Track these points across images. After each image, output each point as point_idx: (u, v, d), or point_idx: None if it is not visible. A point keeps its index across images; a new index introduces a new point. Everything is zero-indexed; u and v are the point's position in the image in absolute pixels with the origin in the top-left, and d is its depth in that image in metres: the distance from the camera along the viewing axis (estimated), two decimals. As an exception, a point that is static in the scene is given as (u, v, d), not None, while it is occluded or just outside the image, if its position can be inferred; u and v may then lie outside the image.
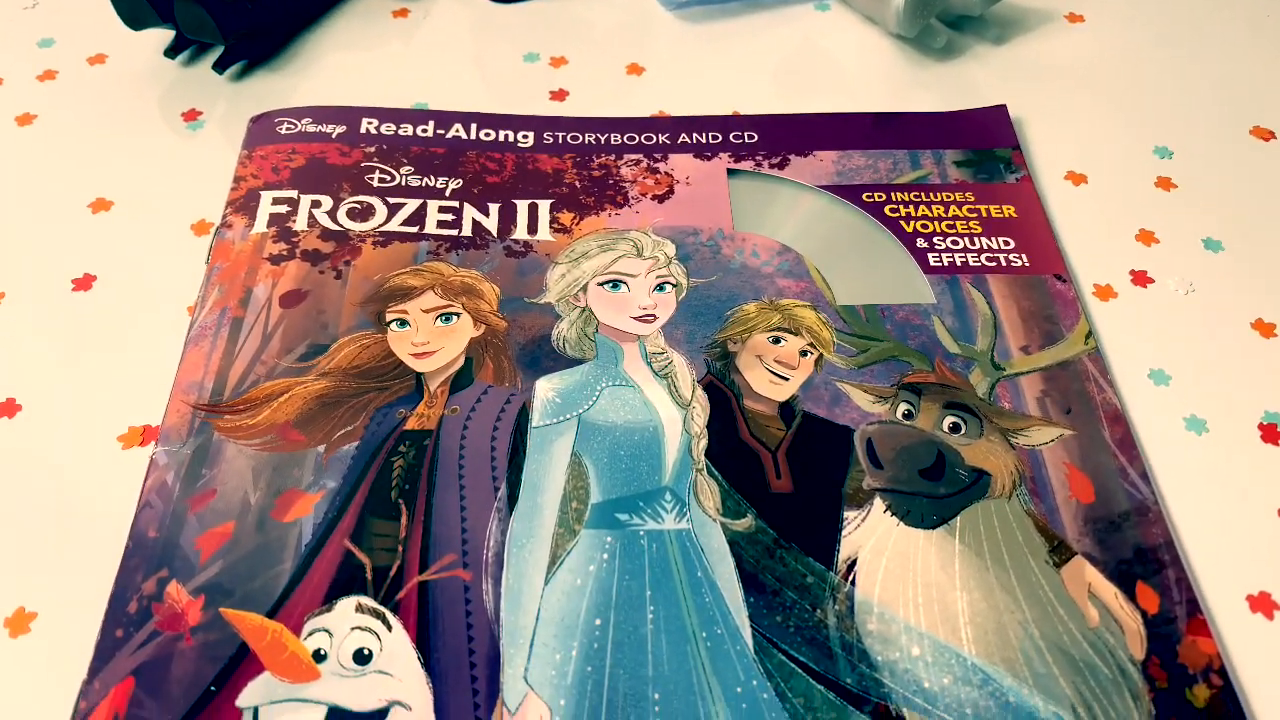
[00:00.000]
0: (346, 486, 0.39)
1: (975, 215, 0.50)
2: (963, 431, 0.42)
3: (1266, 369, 0.45)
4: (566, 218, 0.49)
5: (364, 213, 0.48)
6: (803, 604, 0.37)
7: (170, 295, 0.47)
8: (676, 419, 0.42)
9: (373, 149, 0.51)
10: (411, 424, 0.41)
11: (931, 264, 0.48)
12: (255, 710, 0.34)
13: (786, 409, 0.43)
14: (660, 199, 0.50)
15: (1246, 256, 0.49)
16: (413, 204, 0.49)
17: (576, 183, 0.51)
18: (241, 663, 0.35)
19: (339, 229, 0.48)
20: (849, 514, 0.39)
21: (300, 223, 0.48)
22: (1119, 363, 0.45)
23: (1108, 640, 0.37)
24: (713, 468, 0.41)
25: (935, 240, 0.49)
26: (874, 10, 0.59)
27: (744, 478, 0.40)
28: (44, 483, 0.41)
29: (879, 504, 0.40)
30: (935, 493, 0.40)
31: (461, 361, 0.43)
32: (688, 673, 0.35)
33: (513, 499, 0.39)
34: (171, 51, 0.57)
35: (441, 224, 0.48)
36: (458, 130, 0.53)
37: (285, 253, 0.47)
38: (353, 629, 0.36)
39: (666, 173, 0.51)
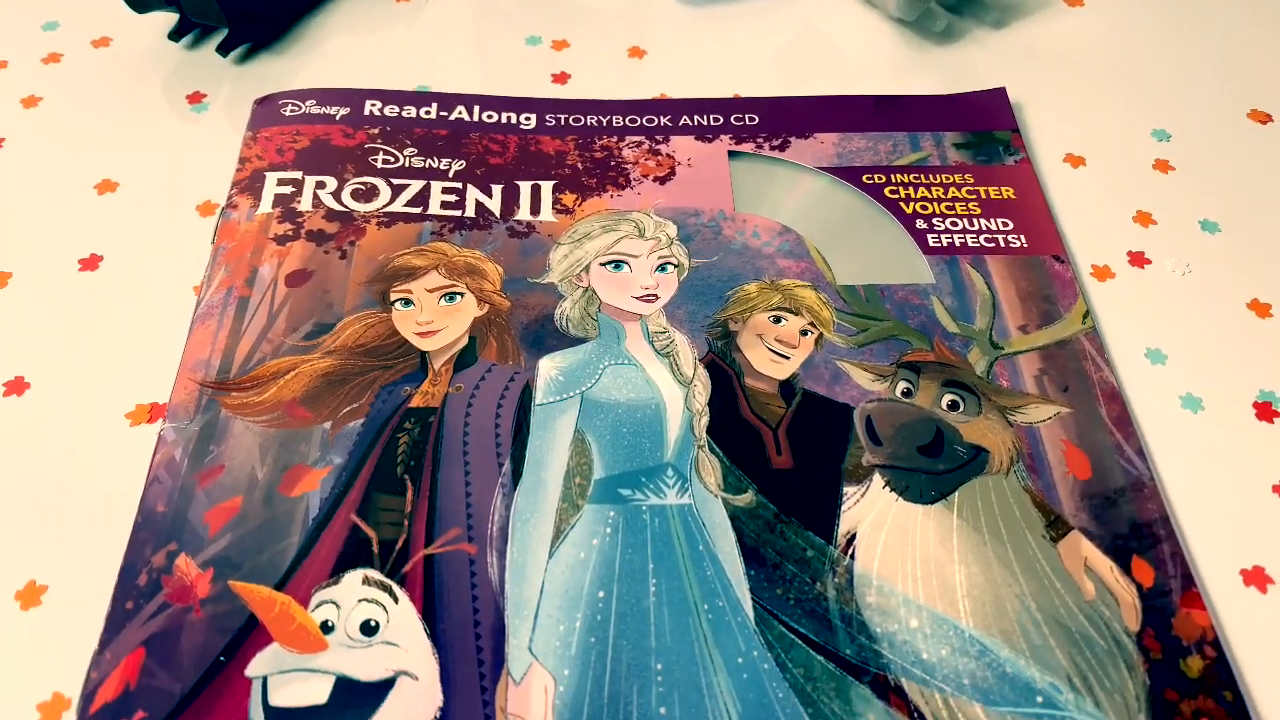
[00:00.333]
0: (352, 462, 0.40)
1: (974, 197, 0.50)
2: (961, 409, 0.42)
3: (1262, 348, 0.46)
4: (569, 199, 0.49)
5: (368, 194, 0.49)
6: (803, 577, 0.38)
7: (176, 275, 0.47)
8: (678, 396, 0.42)
9: (376, 131, 0.52)
10: (416, 401, 0.42)
11: (931, 245, 0.48)
12: (264, 680, 0.35)
13: (787, 387, 0.43)
14: (662, 180, 0.50)
15: (1243, 238, 0.50)
16: (416, 185, 0.49)
17: (579, 164, 0.51)
18: (250, 634, 0.36)
19: (343, 210, 0.48)
20: (848, 490, 0.40)
21: (305, 203, 0.48)
22: (1116, 342, 0.45)
23: (1103, 613, 0.37)
24: (714, 444, 0.41)
25: (934, 221, 0.49)
26: (874, -6, 0.59)
27: (745, 454, 0.41)
28: (52, 459, 0.41)
29: (878, 480, 0.40)
30: (934, 469, 0.41)
31: (465, 340, 0.44)
32: (690, 644, 0.36)
33: (517, 474, 0.40)
34: (175, 34, 0.57)
35: (445, 205, 0.49)
36: (460, 112, 0.53)
37: (290, 233, 0.47)
38: (360, 601, 0.36)
39: (668, 155, 0.51)
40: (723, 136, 0.52)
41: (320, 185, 0.49)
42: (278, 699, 0.34)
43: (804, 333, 0.45)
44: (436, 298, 0.45)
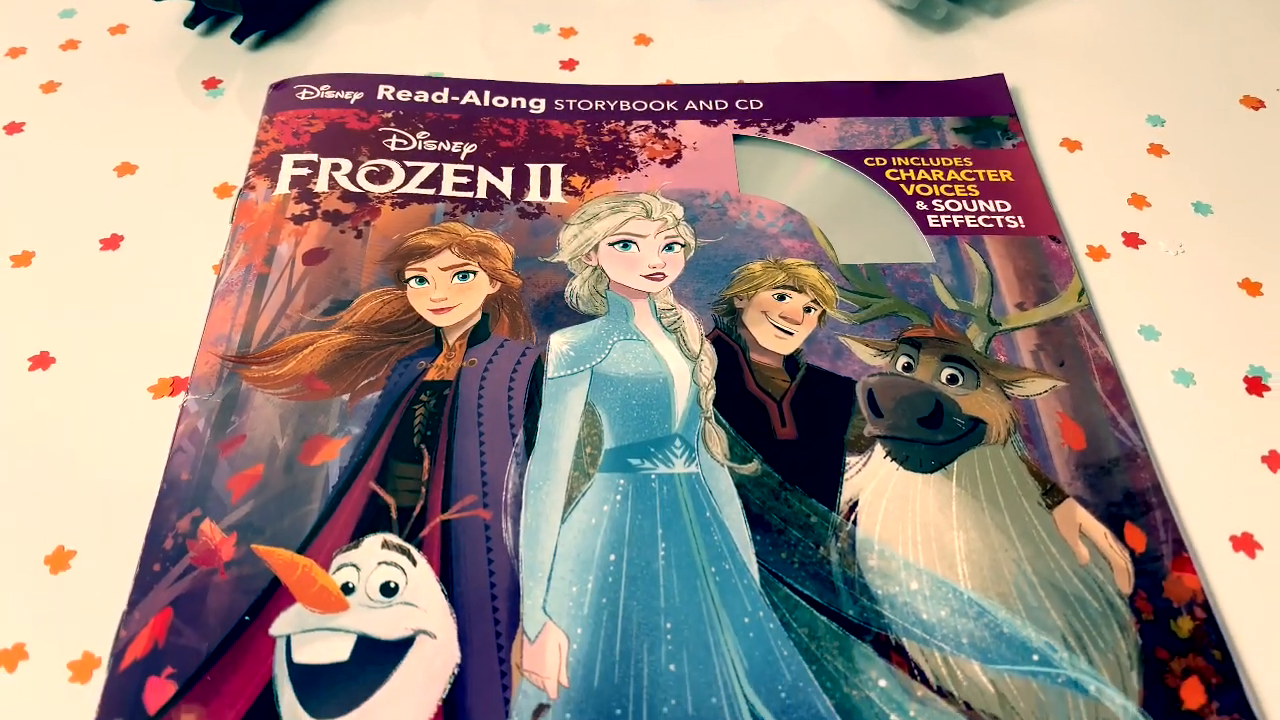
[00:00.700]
0: (371, 432, 0.41)
1: (973, 179, 0.51)
2: (960, 383, 0.43)
3: (1252, 325, 0.47)
4: (578, 181, 0.51)
5: (382, 175, 0.50)
6: (806, 542, 0.39)
7: (195, 254, 0.48)
8: (685, 371, 0.44)
9: (390, 115, 0.53)
10: (431, 375, 0.43)
11: (930, 225, 0.49)
12: (288, 638, 0.36)
13: (791, 362, 0.44)
14: (669, 163, 0.52)
15: (1235, 219, 0.51)
16: (429, 167, 0.51)
17: (587, 147, 0.52)
18: (274, 595, 0.37)
19: (359, 191, 0.49)
20: (851, 459, 0.41)
21: (321, 184, 0.49)
22: (1111, 319, 0.47)
23: (1097, 576, 0.39)
24: (720, 416, 0.42)
25: (934, 203, 0.50)
26: (875, -17, 0.61)
27: (750, 426, 0.42)
28: (77, 430, 0.42)
29: (879, 450, 0.42)
30: (933, 439, 0.42)
31: (478, 317, 0.45)
32: (698, 604, 0.37)
33: (530, 445, 0.41)
34: (191, 21, 0.58)
35: (457, 186, 0.50)
36: (471, 97, 0.54)
37: (307, 213, 0.48)
38: (379, 564, 0.38)
39: (675, 138, 0.53)
40: (728, 121, 0.54)
41: (336, 167, 0.50)
42: (301, 656, 0.35)
43: (807, 310, 0.46)
44: (450, 276, 0.46)
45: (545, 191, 0.50)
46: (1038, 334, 0.46)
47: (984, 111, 0.55)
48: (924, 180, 0.51)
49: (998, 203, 0.50)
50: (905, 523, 0.40)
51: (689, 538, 0.39)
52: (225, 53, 0.58)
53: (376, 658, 0.36)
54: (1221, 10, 0.62)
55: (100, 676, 0.36)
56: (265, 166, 0.50)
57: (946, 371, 0.44)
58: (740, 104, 0.55)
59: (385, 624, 0.36)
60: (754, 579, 0.38)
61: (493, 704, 0.35)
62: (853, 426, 0.42)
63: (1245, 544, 0.40)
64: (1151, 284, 0.48)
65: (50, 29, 0.59)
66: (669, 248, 0.48)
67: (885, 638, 0.37)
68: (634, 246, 0.48)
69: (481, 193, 0.50)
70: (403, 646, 0.36)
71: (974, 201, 0.50)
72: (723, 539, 0.39)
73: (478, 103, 0.54)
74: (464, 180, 0.50)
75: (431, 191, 0.50)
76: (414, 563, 0.38)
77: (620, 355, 0.44)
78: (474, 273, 0.47)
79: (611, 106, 0.54)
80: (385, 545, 0.38)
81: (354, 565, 0.38)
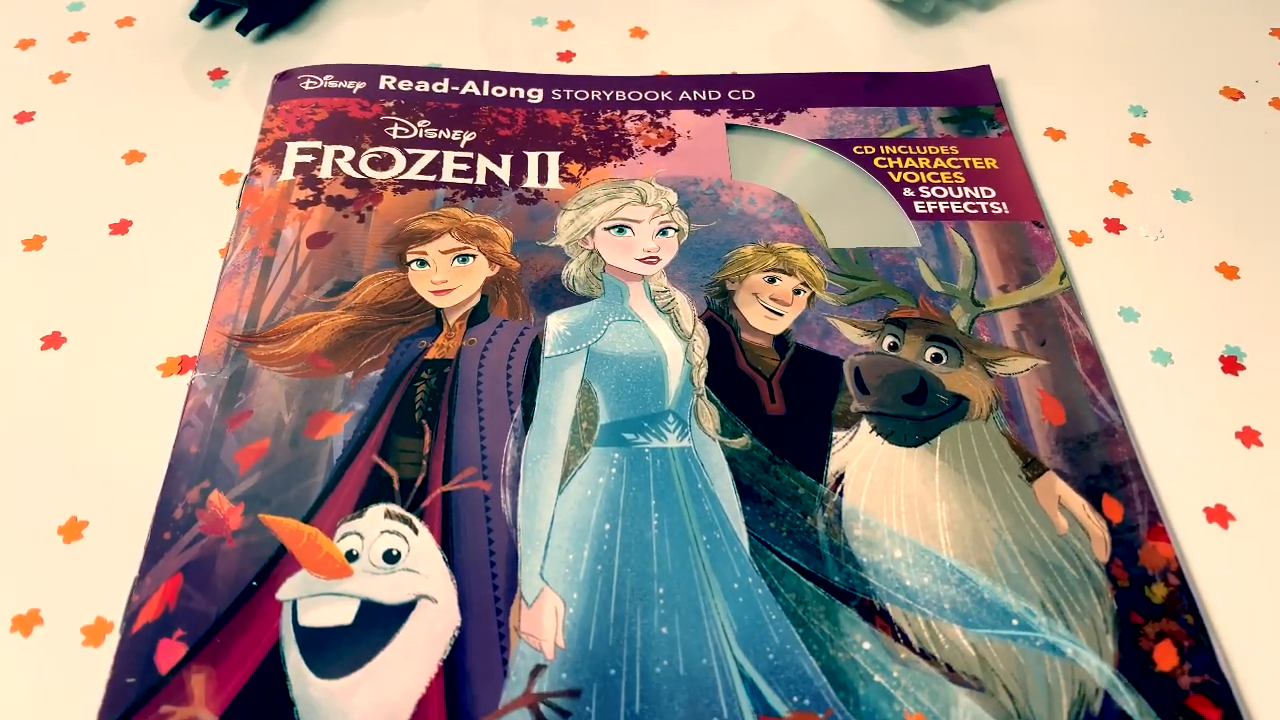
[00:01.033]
0: (374, 408, 0.42)
1: (959, 167, 0.53)
2: (944, 361, 0.45)
3: (1229, 307, 0.48)
4: (575, 168, 0.52)
5: (384, 162, 0.51)
6: (794, 512, 0.40)
7: (201, 238, 0.50)
8: (678, 350, 0.45)
9: (391, 104, 0.54)
10: (432, 354, 0.44)
11: (917, 211, 0.51)
12: (295, 603, 0.37)
13: (781, 341, 0.46)
14: (663, 151, 0.53)
15: (1214, 206, 0.53)
16: (430, 155, 0.52)
17: (584, 136, 0.54)
18: (280, 562, 0.38)
19: (361, 177, 0.51)
20: (838, 434, 0.43)
21: (325, 171, 0.51)
22: (1091, 301, 0.48)
23: (1075, 545, 0.40)
24: (712, 393, 0.44)
25: (921, 189, 0.52)
26: (865, -23, 0.62)
27: (741, 402, 0.43)
28: (88, 407, 0.44)
29: (865, 425, 0.43)
30: (917, 415, 0.43)
31: (478, 298, 0.46)
32: (689, 571, 0.39)
33: (528, 420, 0.42)
34: (196, 14, 0.60)
35: (457, 173, 0.51)
36: (471, 87, 0.56)
37: (311, 198, 0.50)
38: (382, 532, 0.39)
39: (669, 127, 0.54)
40: (721, 110, 0.55)
41: (339, 154, 0.52)
42: (307, 619, 0.37)
43: (797, 292, 0.47)
44: (450, 259, 0.48)
45: (543, 178, 0.51)
46: (1020, 315, 0.47)
47: (970, 102, 0.56)
48: (911, 168, 0.53)
49: (983, 189, 0.52)
50: (890, 494, 0.41)
51: (681, 508, 0.40)
52: (230, 45, 0.59)
53: (380, 621, 0.37)
54: (1202, 4, 0.64)
55: (113, 640, 0.37)
56: (270, 154, 0.52)
57: (931, 350, 0.45)
58: (733, 94, 0.56)
59: (388, 589, 0.38)
60: (744, 547, 0.39)
61: (491, 665, 0.36)
62: (840, 403, 0.44)
63: (1219, 515, 0.42)
64: (1132, 268, 0.50)
65: (59, 21, 0.61)
66: (663, 232, 0.49)
67: (870, 603, 0.38)
68: (629, 231, 0.49)
69: (481, 179, 0.51)
70: (405, 610, 0.37)
71: (959, 188, 0.52)
72: (714, 509, 0.40)
73: (477, 92, 0.55)
74: (464, 167, 0.52)
75: (432, 178, 0.51)
76: (415, 531, 0.39)
77: (615, 335, 0.45)
78: (473, 256, 0.48)
79: (608, 96, 0.56)
80: (388, 515, 0.39)
81: (358, 534, 0.39)
